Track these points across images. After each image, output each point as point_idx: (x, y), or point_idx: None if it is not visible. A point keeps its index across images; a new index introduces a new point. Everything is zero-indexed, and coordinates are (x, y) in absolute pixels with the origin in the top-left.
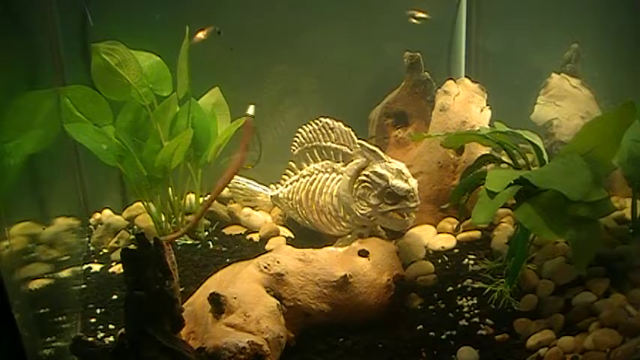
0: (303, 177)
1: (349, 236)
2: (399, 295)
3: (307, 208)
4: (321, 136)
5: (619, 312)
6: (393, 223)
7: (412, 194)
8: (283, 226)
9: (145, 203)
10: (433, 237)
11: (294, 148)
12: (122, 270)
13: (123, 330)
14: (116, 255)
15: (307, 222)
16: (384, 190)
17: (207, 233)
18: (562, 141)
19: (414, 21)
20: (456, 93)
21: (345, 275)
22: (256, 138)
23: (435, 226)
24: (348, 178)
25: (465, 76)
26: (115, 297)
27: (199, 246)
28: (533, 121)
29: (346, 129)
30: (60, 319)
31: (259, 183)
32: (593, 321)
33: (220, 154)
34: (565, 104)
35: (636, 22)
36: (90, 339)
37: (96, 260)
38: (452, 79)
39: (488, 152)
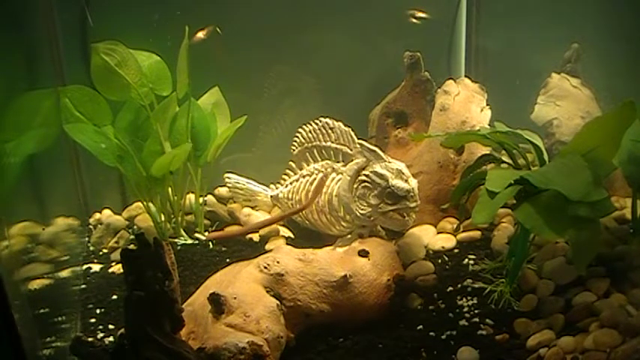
0: (303, 177)
1: (349, 236)
2: (399, 295)
3: (307, 208)
4: (321, 136)
5: (619, 312)
6: (393, 223)
7: (412, 194)
8: (283, 226)
9: (145, 203)
10: (433, 237)
11: (294, 148)
12: (122, 270)
13: (123, 330)
14: (116, 255)
15: (307, 222)
16: (384, 190)
17: (207, 233)
18: (562, 141)
19: (414, 21)
20: (456, 93)
21: (345, 275)
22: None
23: (435, 226)
24: (348, 178)
25: (465, 76)
26: (114, 297)
27: (199, 246)
28: (533, 121)
29: (346, 129)
30: (59, 319)
31: (259, 183)
32: (593, 321)
33: (220, 154)
34: (565, 104)
35: (636, 22)
36: (90, 339)
37: (96, 260)
38: (452, 79)
39: (488, 152)
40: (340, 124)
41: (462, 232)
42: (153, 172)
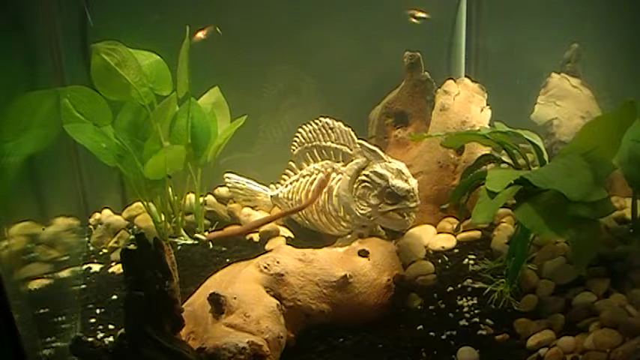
0: (303, 177)
1: (349, 236)
2: (399, 295)
3: (307, 208)
4: (321, 136)
5: (619, 312)
6: (393, 223)
7: (412, 194)
8: (283, 226)
9: (145, 203)
10: (433, 237)
11: (294, 148)
12: (122, 270)
13: (123, 330)
14: (116, 255)
15: (307, 222)
16: (384, 190)
17: (207, 233)
18: (562, 141)
19: (414, 21)
20: (456, 93)
21: (345, 275)
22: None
23: (435, 226)
24: (348, 178)
25: (465, 76)
26: (114, 297)
27: (199, 246)
28: (533, 121)
29: (346, 129)
30: (59, 319)
31: (259, 183)
32: (593, 321)
33: (220, 154)
34: (565, 104)
35: (637, 22)
36: (89, 339)
37: (95, 260)
38: (452, 79)
39: (488, 152)
40: (340, 124)
41: (462, 232)
42: (147, 175)
